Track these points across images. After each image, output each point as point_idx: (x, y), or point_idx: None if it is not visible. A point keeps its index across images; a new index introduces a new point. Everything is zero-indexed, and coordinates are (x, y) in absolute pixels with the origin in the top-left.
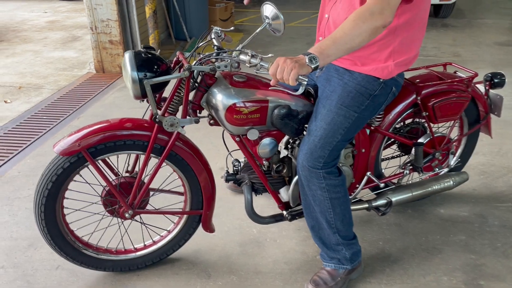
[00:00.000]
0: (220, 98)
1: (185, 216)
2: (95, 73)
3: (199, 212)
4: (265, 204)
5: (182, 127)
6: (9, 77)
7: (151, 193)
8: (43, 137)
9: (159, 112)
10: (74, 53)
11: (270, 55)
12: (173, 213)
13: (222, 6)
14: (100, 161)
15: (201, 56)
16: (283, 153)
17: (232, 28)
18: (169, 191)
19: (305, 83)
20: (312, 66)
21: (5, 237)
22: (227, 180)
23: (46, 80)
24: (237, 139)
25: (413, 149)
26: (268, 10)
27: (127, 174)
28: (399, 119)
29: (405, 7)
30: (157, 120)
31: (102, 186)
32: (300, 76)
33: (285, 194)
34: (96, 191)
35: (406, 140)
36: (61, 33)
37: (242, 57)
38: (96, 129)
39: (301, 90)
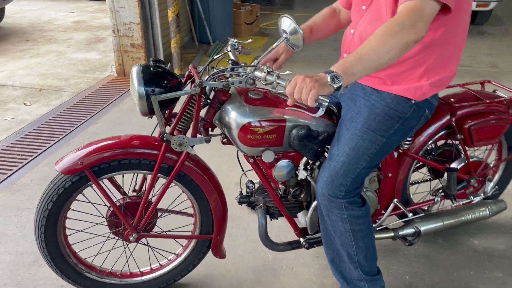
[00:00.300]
0: (234, 116)
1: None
2: (116, 76)
3: (209, 236)
4: (282, 227)
5: (192, 146)
6: (31, 78)
7: (159, 214)
8: (58, 143)
9: (168, 129)
10: (97, 54)
11: (287, 72)
12: (180, 237)
13: (248, 9)
14: (105, 180)
15: (214, 70)
16: (302, 174)
17: (250, 40)
18: (178, 212)
19: (326, 104)
20: (335, 86)
21: (10, 251)
22: (240, 203)
23: (67, 82)
24: (251, 160)
25: (445, 175)
26: (286, 23)
27: (134, 194)
28: (431, 141)
29: (442, 19)
30: (164, 138)
31: (107, 206)
32: (320, 97)
33: (302, 219)
34: (100, 212)
35: (438, 165)
36: (86, 34)
37: (257, 73)
38: (100, 146)
39: (321, 112)
